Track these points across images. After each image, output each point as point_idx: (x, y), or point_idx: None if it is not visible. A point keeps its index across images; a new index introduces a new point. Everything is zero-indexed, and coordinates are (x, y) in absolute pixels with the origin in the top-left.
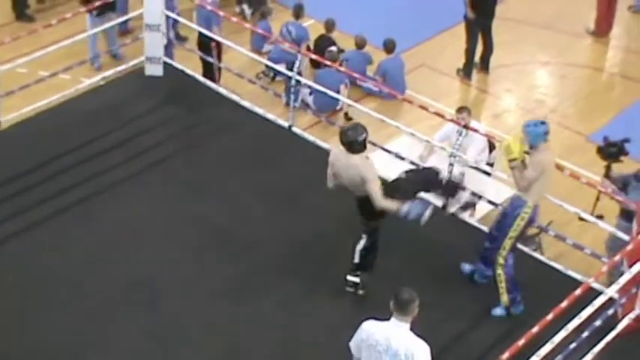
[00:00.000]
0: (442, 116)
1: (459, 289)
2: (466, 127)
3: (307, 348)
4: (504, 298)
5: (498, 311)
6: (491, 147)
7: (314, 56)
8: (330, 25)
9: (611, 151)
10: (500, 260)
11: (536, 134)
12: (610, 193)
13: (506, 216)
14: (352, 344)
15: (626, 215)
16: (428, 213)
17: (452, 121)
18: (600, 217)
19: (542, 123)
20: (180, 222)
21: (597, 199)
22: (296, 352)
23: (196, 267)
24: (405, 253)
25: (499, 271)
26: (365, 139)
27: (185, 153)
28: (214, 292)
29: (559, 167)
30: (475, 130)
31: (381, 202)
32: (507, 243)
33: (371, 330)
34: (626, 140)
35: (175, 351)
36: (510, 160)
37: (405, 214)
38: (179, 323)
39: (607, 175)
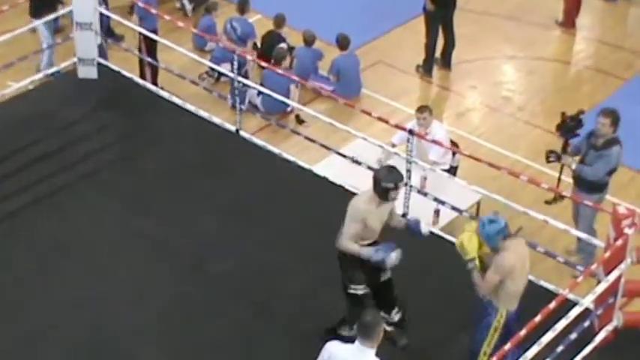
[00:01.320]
0: (386, 122)
1: (432, 307)
2: (411, 132)
3: None
4: None
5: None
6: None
7: (250, 58)
8: (279, 21)
9: (571, 125)
10: None
11: (488, 235)
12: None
13: (476, 325)
14: None
15: (587, 186)
16: (394, 255)
17: (397, 126)
18: (563, 197)
19: (493, 221)
20: (119, 239)
21: (560, 175)
22: None
23: (138, 287)
24: None
25: None
26: (387, 190)
27: (123, 163)
28: (159, 315)
29: (515, 174)
30: (422, 137)
31: (345, 242)
32: (482, 358)
33: (334, 352)
34: (581, 112)
35: None
36: (467, 262)
37: (377, 259)
38: (121, 348)
39: (565, 151)
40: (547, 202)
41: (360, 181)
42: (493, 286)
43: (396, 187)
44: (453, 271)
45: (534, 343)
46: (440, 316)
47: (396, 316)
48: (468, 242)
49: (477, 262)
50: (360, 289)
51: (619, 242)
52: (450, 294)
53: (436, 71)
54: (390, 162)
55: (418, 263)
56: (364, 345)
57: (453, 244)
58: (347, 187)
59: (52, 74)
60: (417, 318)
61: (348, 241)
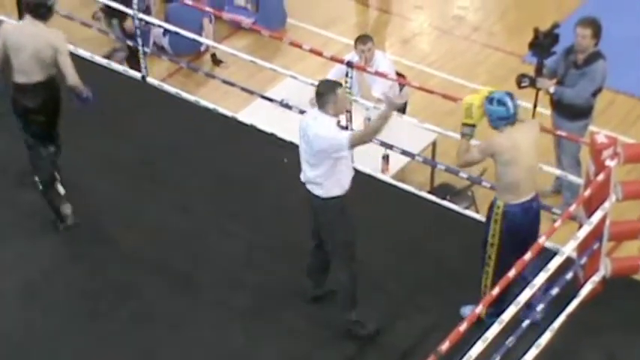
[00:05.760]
0: (320, 54)
1: (389, 264)
2: (350, 65)
3: None
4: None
5: (467, 311)
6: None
7: None
8: None
9: (546, 43)
10: (488, 270)
11: (491, 114)
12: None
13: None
14: None
15: (570, 112)
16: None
17: (332, 59)
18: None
19: (502, 104)
20: (8, 208)
21: (535, 103)
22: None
23: (28, 274)
24: None
25: (485, 282)
26: None
27: (2, 120)
28: (56, 306)
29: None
30: (364, 70)
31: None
32: (490, 251)
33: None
34: (556, 25)
35: None
36: (464, 124)
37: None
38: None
39: (540, 74)
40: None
41: (293, 129)
42: (469, 161)
43: None
44: (409, 225)
45: (510, 302)
46: (399, 273)
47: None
48: (477, 107)
49: (472, 130)
50: None
51: (600, 177)
52: (408, 249)
53: None
54: None
55: (372, 217)
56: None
57: (405, 192)
58: (279, 134)
59: None
60: (380, 275)
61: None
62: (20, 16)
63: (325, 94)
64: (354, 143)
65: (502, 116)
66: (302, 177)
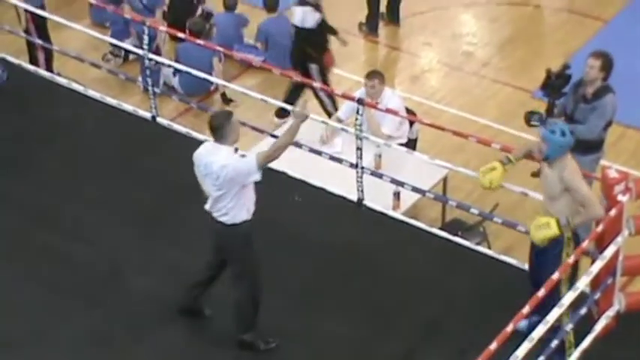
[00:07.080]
0: (331, 92)
1: (400, 299)
2: (361, 102)
3: None
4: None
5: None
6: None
7: (163, 29)
8: None
9: (559, 83)
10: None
11: (560, 144)
12: None
13: (545, 254)
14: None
15: (581, 146)
16: None
17: (343, 96)
18: None
19: (573, 133)
20: (24, 252)
21: None
22: None
23: (41, 317)
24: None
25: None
26: None
27: (16, 167)
28: (71, 351)
29: (485, 142)
30: (374, 107)
31: None
32: (563, 289)
33: (202, 155)
34: (567, 66)
35: None
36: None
37: None
38: None
39: (551, 114)
40: (534, 175)
41: (303, 167)
42: (591, 197)
43: None
44: (421, 261)
45: (524, 338)
46: (411, 310)
47: None
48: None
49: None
50: None
51: (612, 212)
52: (420, 285)
53: (383, 28)
54: (337, 140)
55: (383, 253)
56: (219, 142)
57: (416, 229)
58: (290, 173)
59: None
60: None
61: None
62: None
63: (223, 125)
64: (262, 163)
65: (572, 144)
66: (207, 206)
